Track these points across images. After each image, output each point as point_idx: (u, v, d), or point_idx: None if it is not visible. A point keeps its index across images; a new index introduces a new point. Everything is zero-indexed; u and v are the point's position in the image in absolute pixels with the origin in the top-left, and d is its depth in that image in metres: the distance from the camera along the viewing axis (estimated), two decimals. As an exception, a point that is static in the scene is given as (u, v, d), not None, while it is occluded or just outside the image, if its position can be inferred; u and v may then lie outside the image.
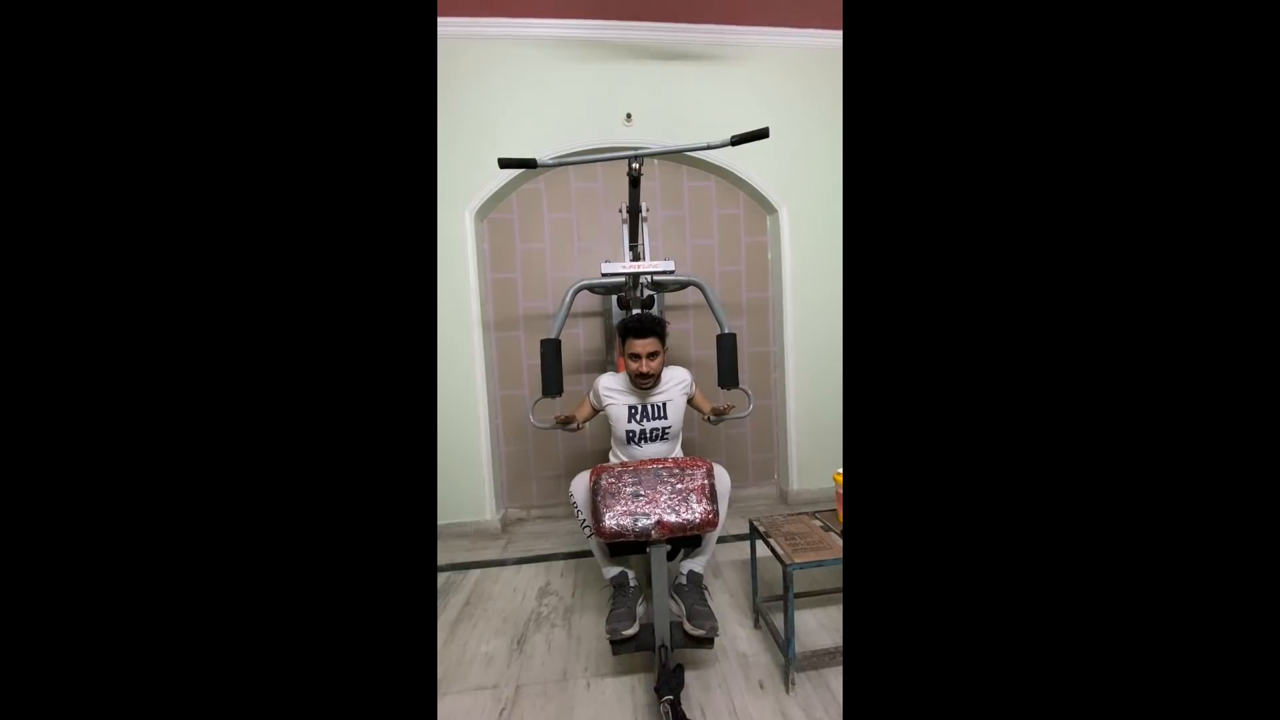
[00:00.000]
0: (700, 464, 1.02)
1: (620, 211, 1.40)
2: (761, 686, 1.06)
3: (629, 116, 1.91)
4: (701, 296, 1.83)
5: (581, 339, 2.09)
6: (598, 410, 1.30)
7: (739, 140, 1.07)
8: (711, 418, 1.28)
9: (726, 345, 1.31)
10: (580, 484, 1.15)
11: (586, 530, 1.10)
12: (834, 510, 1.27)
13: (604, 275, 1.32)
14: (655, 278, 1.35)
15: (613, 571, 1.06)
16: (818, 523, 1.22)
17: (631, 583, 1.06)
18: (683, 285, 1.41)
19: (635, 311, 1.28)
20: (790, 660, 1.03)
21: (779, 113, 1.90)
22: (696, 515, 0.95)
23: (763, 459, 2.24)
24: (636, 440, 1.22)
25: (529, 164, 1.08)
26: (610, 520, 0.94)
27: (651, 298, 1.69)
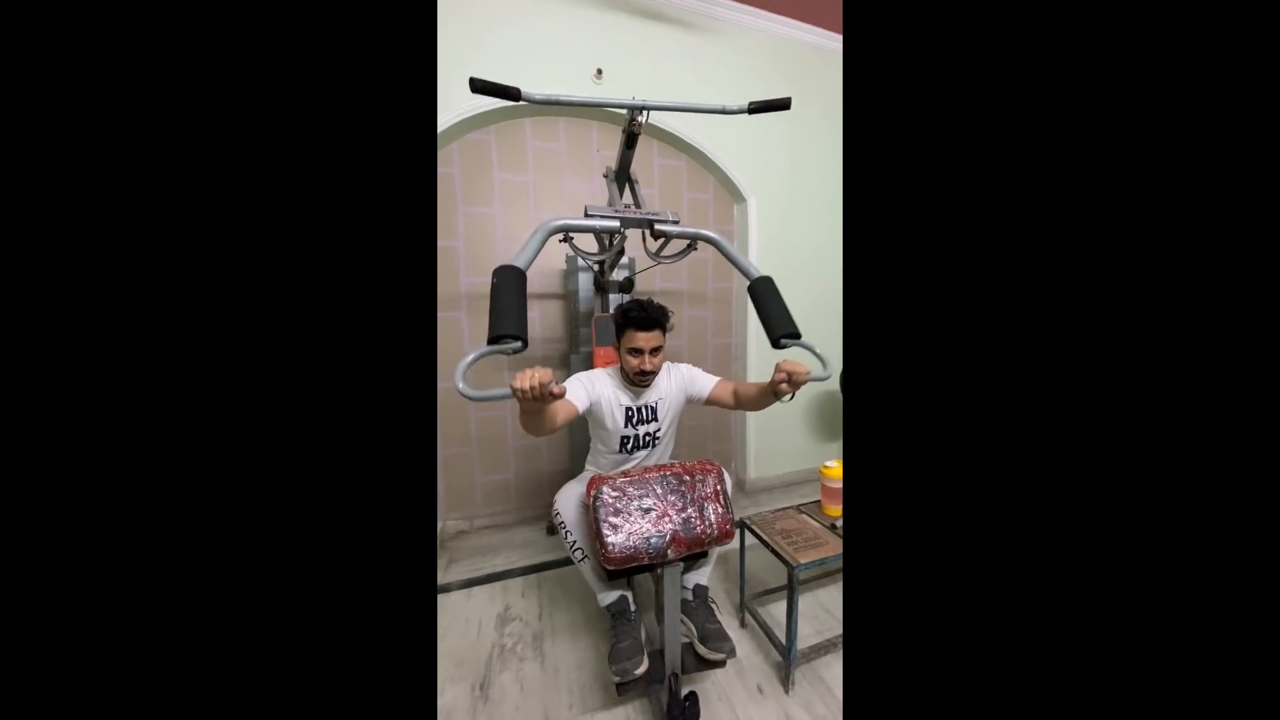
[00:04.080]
0: (710, 467, 0.92)
1: (606, 175, 1.20)
2: (761, 691, 1.03)
3: (599, 72, 1.69)
4: (673, 283, 1.70)
5: (538, 326, 1.84)
6: (578, 407, 1.08)
7: (757, 108, 0.96)
8: (782, 398, 0.84)
9: (764, 290, 0.89)
10: (569, 499, 0.97)
11: (578, 553, 0.93)
12: (816, 502, 1.29)
13: (588, 216, 0.92)
14: (658, 226, 0.95)
15: (610, 597, 0.92)
16: (806, 517, 1.22)
17: (631, 608, 0.92)
18: (690, 245, 1.04)
19: (633, 298, 1.05)
20: (791, 661, 1.01)
21: (753, 99, 1.84)
22: (714, 526, 0.85)
23: (721, 449, 2.25)
24: (629, 448, 1.07)
25: (510, 94, 0.84)
26: (620, 542, 0.79)
27: (630, 281, 1.54)
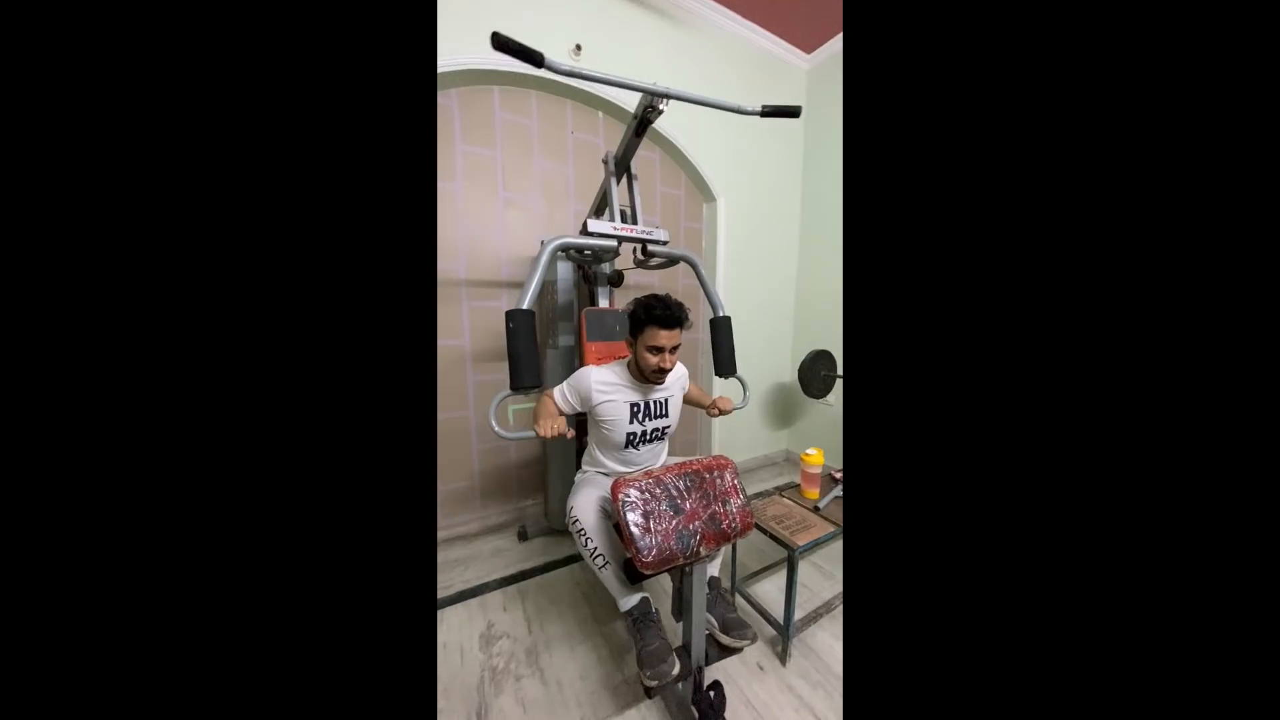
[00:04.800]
0: (726, 462, 0.94)
1: (605, 161, 1.14)
2: (761, 668, 1.09)
3: (578, 48, 1.59)
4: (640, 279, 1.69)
5: (506, 316, 1.70)
6: (567, 413, 1.05)
7: (769, 112, 0.99)
8: (714, 411, 1.14)
9: (723, 329, 1.21)
10: (588, 504, 0.92)
11: (599, 559, 0.89)
12: (796, 486, 1.39)
13: (587, 234, 1.04)
14: (649, 247, 1.11)
15: (633, 600, 0.89)
16: (789, 501, 1.31)
17: (654, 609, 0.91)
18: (672, 261, 1.23)
19: (652, 294, 1.04)
20: (790, 637, 1.08)
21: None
22: (737, 519, 0.88)
23: (687, 440, 2.32)
24: (635, 444, 1.05)
25: (534, 59, 0.74)
26: (654, 544, 0.77)
27: (620, 274, 1.49)
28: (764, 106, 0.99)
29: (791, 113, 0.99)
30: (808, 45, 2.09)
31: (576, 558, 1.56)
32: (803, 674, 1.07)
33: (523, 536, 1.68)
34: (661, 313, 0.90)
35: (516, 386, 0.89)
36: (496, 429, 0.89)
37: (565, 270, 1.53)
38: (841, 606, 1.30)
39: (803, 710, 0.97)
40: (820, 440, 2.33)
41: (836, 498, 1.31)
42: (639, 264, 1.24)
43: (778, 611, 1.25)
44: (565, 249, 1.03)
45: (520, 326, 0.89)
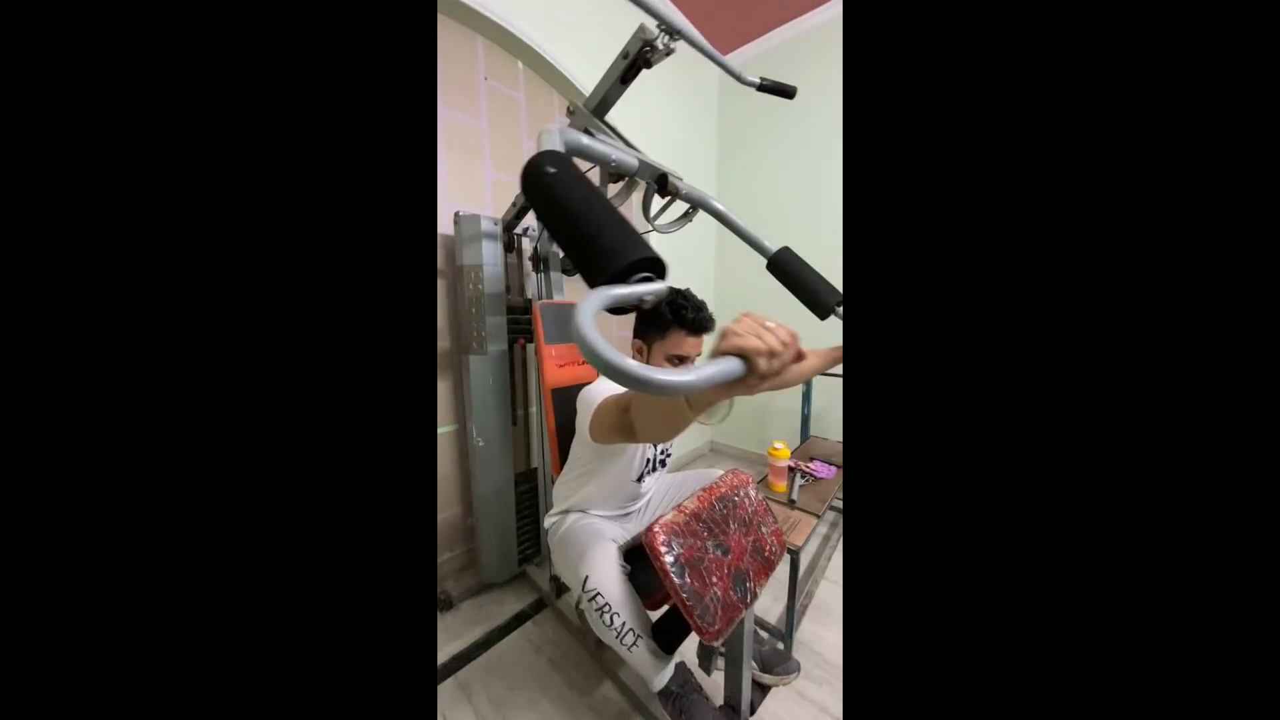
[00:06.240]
0: (745, 478, 0.84)
1: (571, 111, 0.88)
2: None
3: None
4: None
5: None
6: None
7: (767, 87, 0.90)
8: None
9: (793, 260, 0.78)
10: (608, 567, 0.68)
11: (629, 638, 0.66)
12: (763, 479, 1.39)
13: (603, 142, 0.67)
14: (672, 180, 0.78)
15: (669, 673, 0.69)
16: (764, 499, 1.30)
17: (692, 675, 0.73)
18: (688, 216, 0.93)
19: (673, 288, 0.71)
20: (792, 645, 1.05)
21: (669, 87, 1.78)
22: (775, 541, 0.77)
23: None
24: (643, 476, 0.85)
25: None
26: (718, 601, 0.61)
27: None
28: (762, 79, 0.90)
29: (787, 92, 0.92)
30: (725, 46, 2.13)
31: (526, 615, 1.26)
32: (806, 674, 1.06)
33: (447, 605, 1.27)
34: (693, 316, 0.72)
35: (617, 266, 0.32)
36: (631, 368, 0.26)
37: (493, 251, 1.19)
38: (836, 594, 1.36)
39: (824, 717, 0.94)
40: (743, 427, 2.46)
41: (801, 486, 1.36)
42: (651, 222, 0.95)
43: (769, 610, 1.22)
44: (575, 151, 0.55)
45: (564, 170, 0.38)
